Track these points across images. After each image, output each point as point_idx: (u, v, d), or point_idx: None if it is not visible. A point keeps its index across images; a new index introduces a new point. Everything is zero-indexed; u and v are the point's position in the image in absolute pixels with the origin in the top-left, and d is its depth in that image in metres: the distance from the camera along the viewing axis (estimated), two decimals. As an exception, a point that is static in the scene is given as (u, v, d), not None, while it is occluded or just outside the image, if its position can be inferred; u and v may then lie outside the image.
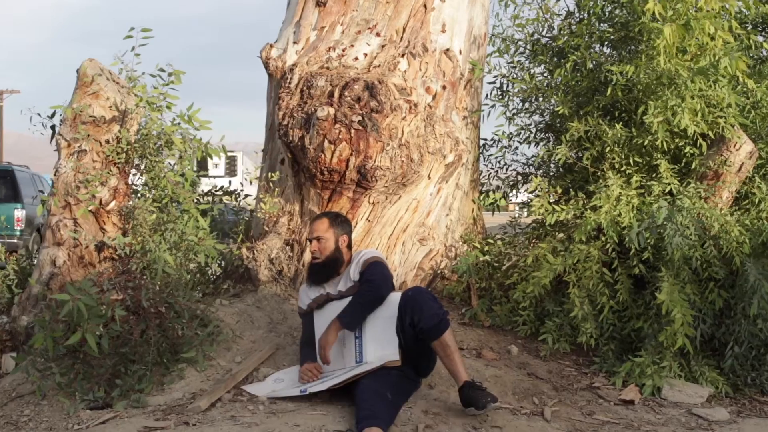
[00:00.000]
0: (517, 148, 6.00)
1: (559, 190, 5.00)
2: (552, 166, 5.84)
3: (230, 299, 5.10)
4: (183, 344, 4.31)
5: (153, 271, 4.67)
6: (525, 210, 6.02)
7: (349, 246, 4.07)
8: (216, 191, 6.12)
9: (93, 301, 4.09)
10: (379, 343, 3.78)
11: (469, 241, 5.49)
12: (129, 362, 4.22)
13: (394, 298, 3.80)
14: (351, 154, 4.87)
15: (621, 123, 4.97)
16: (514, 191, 6.04)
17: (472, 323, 5.05)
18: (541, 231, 5.20)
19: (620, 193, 4.73)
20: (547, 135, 5.86)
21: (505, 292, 5.20)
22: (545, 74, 5.74)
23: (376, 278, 3.81)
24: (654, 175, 4.98)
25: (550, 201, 4.94)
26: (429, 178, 5.21)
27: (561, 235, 4.97)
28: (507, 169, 6.13)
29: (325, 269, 3.95)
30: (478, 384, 3.57)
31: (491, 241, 5.33)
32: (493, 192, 5.99)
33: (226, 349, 4.46)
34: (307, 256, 5.19)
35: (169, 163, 5.17)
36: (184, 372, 4.21)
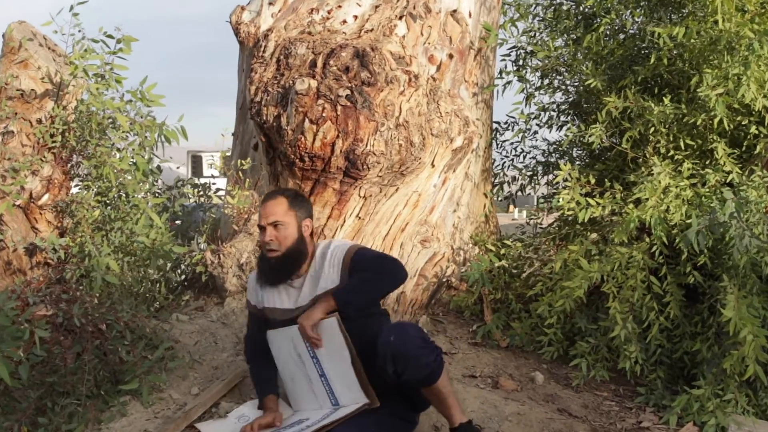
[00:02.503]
0: (536, 132, 5.24)
1: (592, 180, 4.24)
2: (578, 152, 5.08)
3: (190, 314, 4.36)
4: (126, 372, 3.59)
5: (92, 279, 3.93)
6: (547, 205, 5.26)
7: (312, 234, 3.19)
8: (180, 184, 5.36)
9: (7, 320, 3.36)
10: (345, 385, 3.03)
11: (481, 242, 4.74)
12: (58, 395, 3.52)
13: (331, 325, 2.99)
14: (337, 137, 4.14)
15: (667, 99, 4.21)
16: (532, 183, 5.27)
17: (485, 343, 4.30)
18: (569, 230, 4.44)
19: (668, 183, 3.98)
20: (572, 117, 5.10)
21: (525, 304, 4.46)
22: (569, 44, 4.98)
23: (390, 259, 3.07)
24: (708, 162, 4.22)
25: (582, 193, 4.16)
26: (433, 166, 4.45)
27: (593, 235, 4.22)
28: (524, 157, 5.38)
29: (284, 266, 3.08)
30: (477, 429, 2.87)
31: (509, 243, 4.56)
32: (509, 184, 5.23)
33: (180, 377, 3.73)
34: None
35: (118, 148, 4.42)
36: (127, 407, 3.54)
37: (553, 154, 5.20)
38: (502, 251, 4.46)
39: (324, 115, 4.14)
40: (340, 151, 4.18)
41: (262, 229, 3.08)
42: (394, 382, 2.85)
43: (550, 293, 4.07)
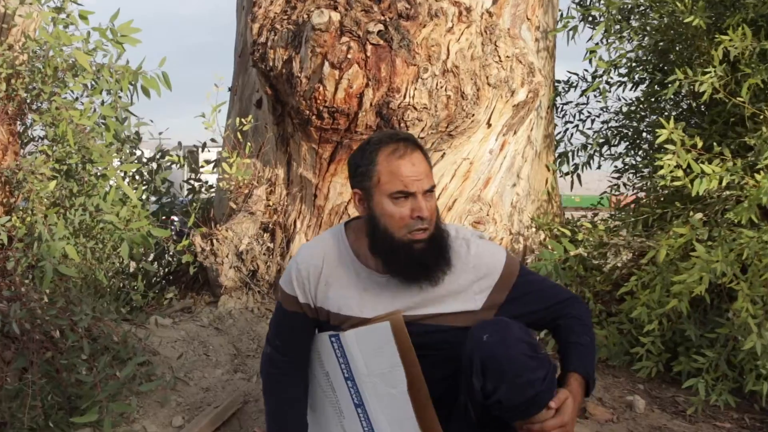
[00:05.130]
0: (606, 92, 4.35)
1: (699, 144, 3.34)
2: (655, 117, 4.19)
3: (174, 316, 3.49)
4: (84, 396, 2.75)
5: (43, 270, 3.05)
6: (620, 178, 4.37)
7: None
8: (163, 154, 4.47)
9: None
10: (394, 420, 2.14)
11: (545, 226, 3.85)
12: (-9, 428, 2.74)
13: (382, 334, 2.09)
14: (366, 85, 3.30)
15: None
16: (602, 153, 4.37)
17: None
18: (668, 210, 3.54)
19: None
20: (655, 70, 4.20)
21: (607, 305, 3.58)
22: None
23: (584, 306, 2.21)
24: None
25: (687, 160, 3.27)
26: (489, 125, 3.59)
27: (698, 215, 3.33)
28: (592, 122, 4.49)
29: (440, 252, 2.08)
30: None
31: (589, 226, 3.66)
32: (576, 154, 4.34)
33: (158, 402, 2.91)
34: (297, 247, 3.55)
35: (81, 101, 3.55)
36: (86, 444, 2.67)
37: (631, 117, 4.30)
38: (579, 236, 3.55)
39: (349, 57, 3.28)
40: (371, 104, 3.32)
41: (404, 198, 2.04)
42: (479, 405, 1.98)
43: (647, 291, 3.19)
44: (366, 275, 2.12)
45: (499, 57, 3.54)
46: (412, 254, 2.03)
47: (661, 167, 3.30)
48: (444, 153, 3.54)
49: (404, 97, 3.32)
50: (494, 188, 3.72)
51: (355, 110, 3.35)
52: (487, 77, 3.49)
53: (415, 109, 3.33)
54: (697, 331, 3.23)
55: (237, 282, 3.56)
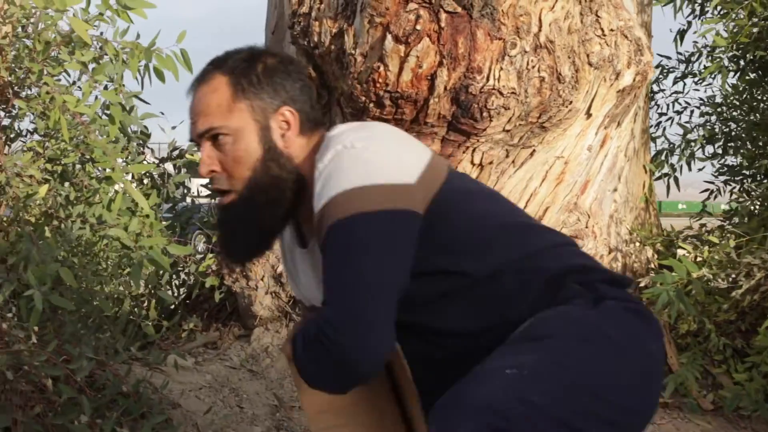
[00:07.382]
0: (703, 80, 3.75)
1: None
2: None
3: (196, 353, 2.86)
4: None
5: (30, 301, 2.43)
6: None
7: (308, 127, 1.46)
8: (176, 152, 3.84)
9: None
10: None
11: (649, 240, 3.22)
12: None
13: None
14: (440, 64, 2.73)
15: None
16: (704, 150, 3.76)
17: (679, 404, 2.80)
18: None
19: None
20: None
21: (731, 338, 2.96)
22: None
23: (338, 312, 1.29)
24: None
25: None
26: (588, 115, 2.97)
27: None
28: (690, 114, 3.89)
29: (235, 230, 1.45)
30: None
31: (714, 240, 3.02)
32: (681, 151, 3.72)
33: (182, 475, 2.25)
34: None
35: (79, 85, 2.95)
36: None
37: (738, 108, 3.68)
38: (705, 253, 2.91)
39: (418, 28, 2.69)
40: (445, 87, 2.72)
41: (198, 146, 1.48)
42: None
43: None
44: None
45: (602, 30, 2.92)
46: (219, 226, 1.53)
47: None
48: (534, 149, 2.91)
49: (487, 80, 2.71)
50: (593, 194, 3.08)
51: (424, 96, 2.74)
52: (587, 55, 2.87)
53: (501, 94, 2.71)
54: None
55: (275, 311, 2.94)
